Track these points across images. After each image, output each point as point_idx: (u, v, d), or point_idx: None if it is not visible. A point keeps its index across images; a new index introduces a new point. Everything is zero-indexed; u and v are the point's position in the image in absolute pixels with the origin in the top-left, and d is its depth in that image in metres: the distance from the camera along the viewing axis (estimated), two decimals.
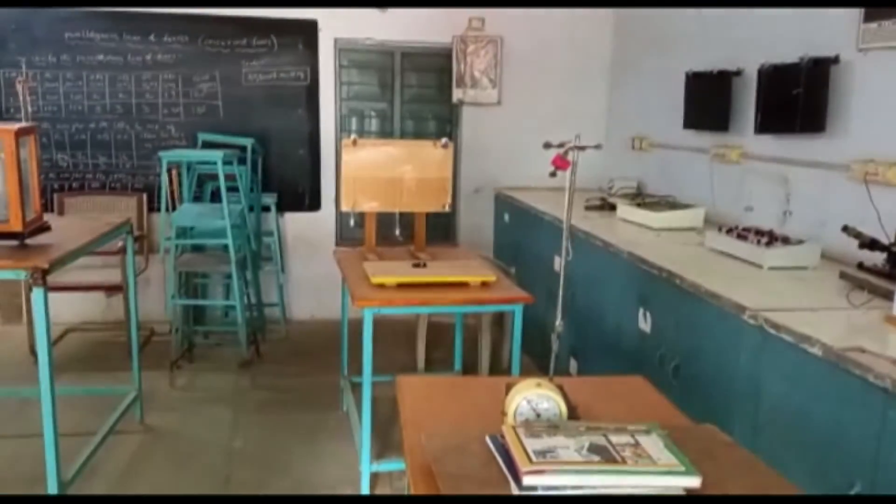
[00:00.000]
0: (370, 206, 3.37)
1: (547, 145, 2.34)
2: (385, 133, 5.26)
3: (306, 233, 5.27)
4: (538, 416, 1.62)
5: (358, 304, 2.74)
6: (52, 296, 4.67)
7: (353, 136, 3.30)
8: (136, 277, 3.55)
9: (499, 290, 2.93)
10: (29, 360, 4.38)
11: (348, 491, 3.03)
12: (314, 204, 5.25)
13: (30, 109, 4.40)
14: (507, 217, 5.08)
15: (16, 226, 2.61)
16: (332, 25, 5.00)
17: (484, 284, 2.96)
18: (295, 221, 5.23)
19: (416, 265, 3.11)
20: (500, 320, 4.26)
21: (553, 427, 1.47)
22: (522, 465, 1.30)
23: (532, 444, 1.37)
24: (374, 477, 3.00)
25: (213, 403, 3.90)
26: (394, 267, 3.09)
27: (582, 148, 2.24)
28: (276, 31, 4.92)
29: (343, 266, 3.29)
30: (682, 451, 1.34)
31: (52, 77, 4.72)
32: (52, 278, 4.51)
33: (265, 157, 4.94)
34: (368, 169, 3.32)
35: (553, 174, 2.28)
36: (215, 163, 4.04)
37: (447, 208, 3.43)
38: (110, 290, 4.71)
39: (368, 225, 3.43)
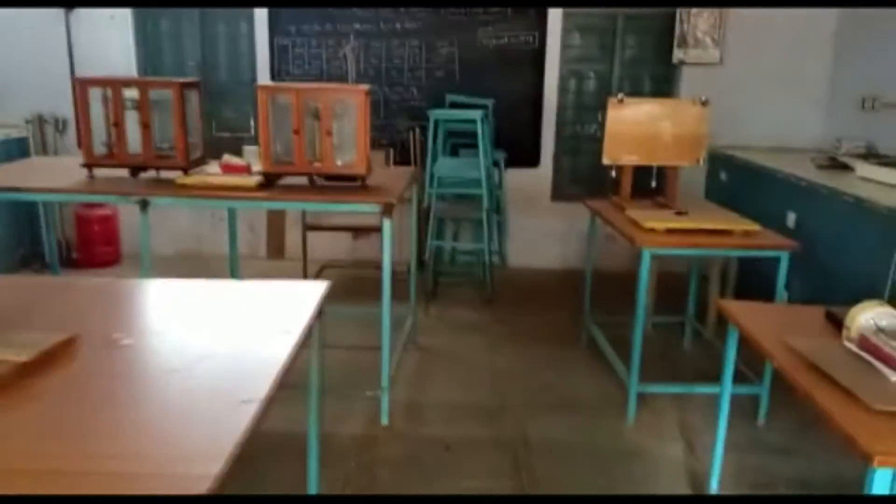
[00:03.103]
0: (630, 159, 3.72)
1: None
2: (602, 94, 5.55)
3: (525, 187, 5.70)
4: (880, 330, 1.94)
5: (640, 245, 3.12)
6: (309, 235, 5.39)
7: (620, 96, 3.65)
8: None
9: (764, 238, 3.21)
10: None
11: (614, 411, 3.45)
12: (534, 160, 5.67)
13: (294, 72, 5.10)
14: (723, 175, 5.25)
15: (361, 169, 3.19)
16: None
17: (746, 233, 3.25)
18: (515, 176, 5.67)
19: (680, 213, 3.44)
20: (724, 272, 4.51)
21: None
22: None
23: None
24: (639, 398, 3.39)
25: (466, 331, 4.46)
26: (658, 214, 3.44)
27: None
28: None
29: (604, 214, 3.68)
30: None
31: (316, 44, 5.41)
32: (313, 220, 5.23)
33: (494, 115, 5.40)
34: (630, 125, 3.67)
35: None
36: (468, 121, 4.54)
37: (701, 163, 3.72)
38: (362, 231, 5.41)
39: (625, 177, 3.79)
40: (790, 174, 4.28)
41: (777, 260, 3.16)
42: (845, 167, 4.39)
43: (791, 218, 4.19)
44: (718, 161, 5.36)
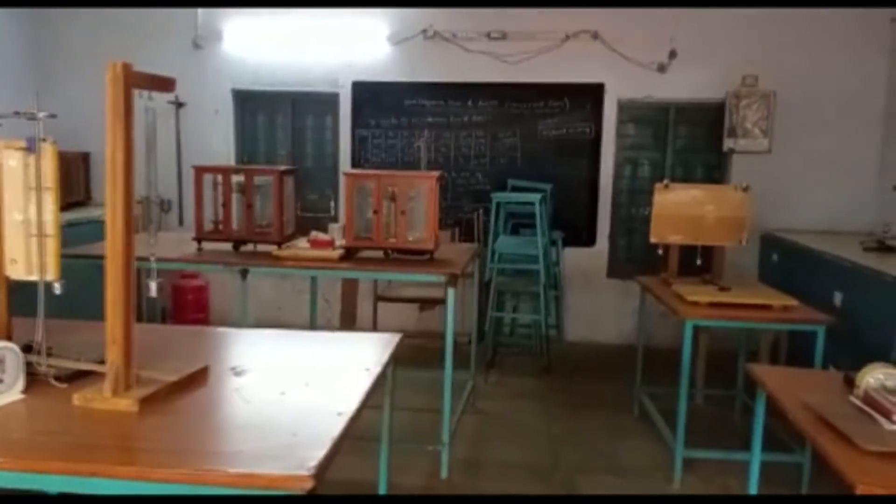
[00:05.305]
0: (675, 238, 4.04)
1: None
2: (656, 179, 5.90)
3: (581, 265, 6.04)
4: (884, 387, 2.18)
5: (684, 316, 3.40)
6: (378, 306, 5.76)
7: (665, 181, 4.01)
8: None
9: (802, 313, 3.44)
10: None
11: (661, 475, 3.65)
12: (590, 240, 6.02)
13: (375, 160, 5.69)
14: (775, 257, 5.46)
15: (430, 245, 3.62)
16: (617, 87, 5.81)
17: (785, 308, 3.49)
18: (572, 254, 6.02)
19: (723, 289, 3.71)
20: (775, 349, 4.68)
21: None
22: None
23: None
24: (686, 463, 3.59)
25: (523, 398, 4.75)
26: (702, 289, 3.71)
27: None
28: (570, 93, 5.83)
29: (653, 289, 3.97)
30: None
31: (392, 135, 6.02)
32: (383, 292, 5.61)
33: (552, 198, 5.82)
34: (676, 207, 4.00)
35: None
36: (527, 203, 4.97)
37: (744, 243, 3.99)
38: (427, 304, 5.81)
39: (672, 255, 4.10)
40: (837, 255, 4.50)
41: (819, 334, 3.36)
42: (892, 249, 4.57)
43: (838, 297, 4.37)
44: (770, 243, 5.59)
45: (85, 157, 6.04)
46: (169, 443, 1.51)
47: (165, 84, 1.69)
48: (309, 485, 1.35)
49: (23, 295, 1.86)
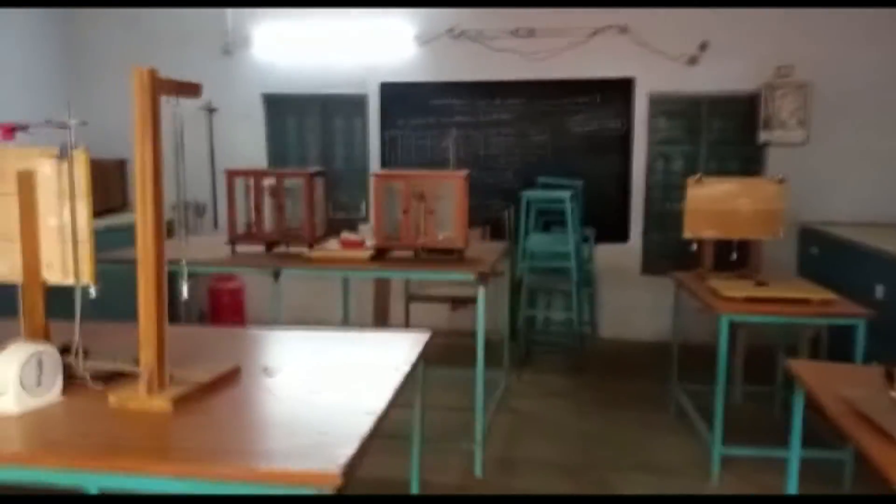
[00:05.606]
0: (709, 233, 3.97)
1: None
2: (689, 173, 5.81)
3: (614, 261, 5.98)
4: None
5: (719, 312, 3.34)
6: (410, 306, 5.78)
7: (698, 175, 3.95)
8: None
9: (841, 306, 3.36)
10: None
11: (698, 473, 3.60)
12: (623, 236, 5.96)
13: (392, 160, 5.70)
14: (814, 250, 5.34)
15: (459, 243, 3.62)
16: (647, 80, 5.73)
17: (824, 302, 3.41)
18: (605, 251, 5.96)
19: (759, 283, 3.64)
20: (815, 344, 4.56)
21: None
22: None
23: None
24: (724, 461, 3.53)
25: (557, 396, 4.72)
26: (738, 284, 3.64)
27: None
28: (599, 89, 5.78)
29: (688, 284, 3.91)
30: None
31: (421, 135, 6.03)
32: (415, 291, 5.63)
33: (583, 195, 5.77)
34: (709, 202, 3.94)
35: None
36: (557, 200, 4.93)
37: (781, 236, 3.91)
38: (458, 303, 5.80)
39: (706, 250, 4.03)
40: (877, 248, 4.38)
41: (859, 328, 3.28)
42: None
43: (879, 290, 4.26)
44: (809, 237, 5.46)
45: (120, 164, 6.17)
46: (201, 441, 1.54)
47: (192, 89, 1.72)
48: (337, 482, 1.36)
49: (61, 298, 1.91)
